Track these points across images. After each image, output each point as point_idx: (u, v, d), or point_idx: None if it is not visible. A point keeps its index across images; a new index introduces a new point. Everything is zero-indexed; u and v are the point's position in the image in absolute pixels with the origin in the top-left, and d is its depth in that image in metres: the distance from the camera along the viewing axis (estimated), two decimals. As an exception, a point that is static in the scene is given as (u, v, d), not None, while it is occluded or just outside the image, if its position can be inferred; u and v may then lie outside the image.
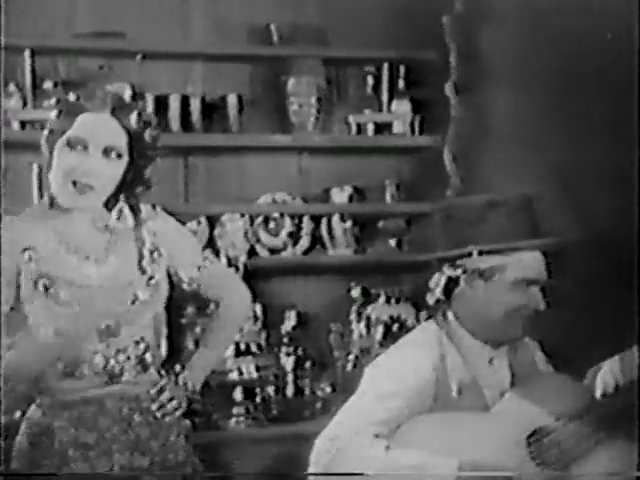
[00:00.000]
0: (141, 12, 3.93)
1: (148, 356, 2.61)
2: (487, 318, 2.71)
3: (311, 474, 2.60)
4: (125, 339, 2.57)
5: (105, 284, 2.55)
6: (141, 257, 2.61)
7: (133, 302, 2.57)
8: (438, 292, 2.76)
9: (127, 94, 3.80)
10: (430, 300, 2.81)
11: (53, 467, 2.50)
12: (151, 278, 2.60)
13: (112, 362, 2.56)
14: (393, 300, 4.19)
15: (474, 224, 2.73)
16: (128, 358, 2.58)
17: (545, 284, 2.73)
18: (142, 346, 2.59)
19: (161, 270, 2.63)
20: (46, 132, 2.55)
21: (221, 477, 2.93)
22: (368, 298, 4.18)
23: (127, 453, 2.55)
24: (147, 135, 2.56)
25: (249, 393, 3.90)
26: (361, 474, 2.54)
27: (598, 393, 3.27)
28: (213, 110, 4.04)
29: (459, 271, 2.72)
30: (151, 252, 2.62)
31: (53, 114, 2.55)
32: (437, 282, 2.78)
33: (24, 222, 2.55)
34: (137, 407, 2.58)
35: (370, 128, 4.20)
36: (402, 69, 4.22)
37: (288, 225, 4.14)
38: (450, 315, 2.76)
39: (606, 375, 3.31)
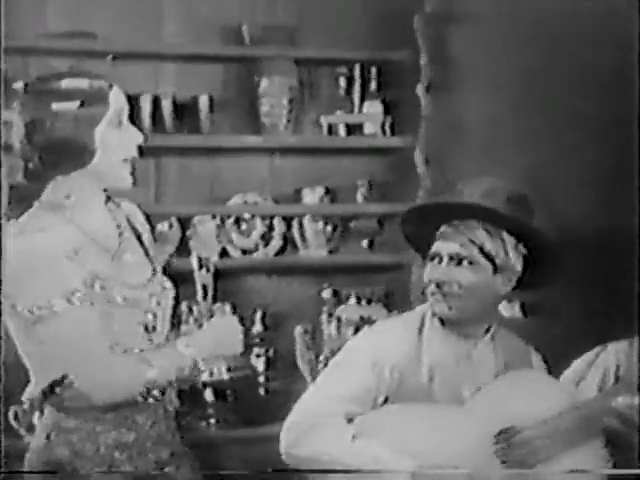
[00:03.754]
0: (112, 12, 3.92)
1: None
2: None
3: (284, 470, 2.62)
4: (162, 334, 2.55)
5: (138, 280, 2.52)
6: (146, 250, 2.60)
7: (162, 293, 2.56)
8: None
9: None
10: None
11: (100, 469, 2.48)
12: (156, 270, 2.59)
13: None
14: (364, 301, 4.19)
15: None
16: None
17: (470, 259, 2.71)
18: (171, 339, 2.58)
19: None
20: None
21: (211, 476, 2.93)
22: (339, 299, 4.18)
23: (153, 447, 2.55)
24: None
25: (220, 394, 3.90)
26: (346, 471, 2.57)
27: (599, 373, 3.21)
28: (184, 111, 4.03)
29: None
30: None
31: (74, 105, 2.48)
32: None
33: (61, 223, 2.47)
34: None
35: (342, 129, 4.20)
36: (374, 70, 4.23)
37: (259, 226, 4.15)
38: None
39: (609, 358, 3.26)
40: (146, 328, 2.52)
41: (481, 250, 2.70)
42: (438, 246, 2.73)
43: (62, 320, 2.39)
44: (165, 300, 2.57)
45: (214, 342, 2.55)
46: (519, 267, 2.75)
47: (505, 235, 2.72)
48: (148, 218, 2.68)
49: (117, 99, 2.51)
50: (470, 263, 2.70)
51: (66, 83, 2.47)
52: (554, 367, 2.93)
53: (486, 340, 2.77)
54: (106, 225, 2.54)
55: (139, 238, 2.62)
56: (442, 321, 2.74)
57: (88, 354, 2.42)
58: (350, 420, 2.64)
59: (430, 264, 2.74)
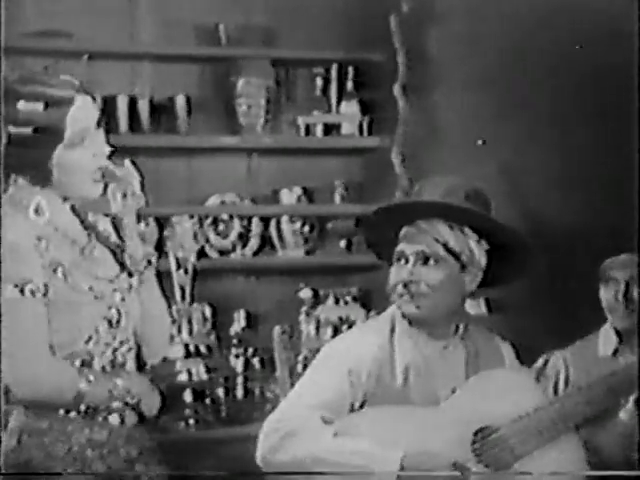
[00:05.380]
0: (88, 12, 3.90)
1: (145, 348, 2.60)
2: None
3: (265, 473, 2.60)
4: (126, 330, 2.55)
5: (104, 274, 2.53)
6: (114, 252, 2.60)
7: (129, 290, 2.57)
8: None
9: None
10: None
11: (73, 469, 2.48)
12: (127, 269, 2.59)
13: (118, 354, 2.54)
14: (342, 301, 4.19)
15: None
16: (130, 349, 2.56)
17: (435, 257, 2.70)
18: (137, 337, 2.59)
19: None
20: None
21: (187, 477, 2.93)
22: (317, 299, 4.18)
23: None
24: None
25: (199, 395, 3.89)
26: (321, 473, 2.56)
27: (550, 380, 3.32)
28: (161, 111, 4.02)
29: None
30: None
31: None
32: None
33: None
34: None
35: (319, 129, 4.20)
36: (351, 70, 4.23)
37: (237, 226, 4.14)
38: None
39: (557, 363, 3.37)
40: (110, 323, 2.52)
41: (446, 247, 2.70)
42: (402, 247, 2.72)
43: (8, 309, 2.40)
44: (130, 298, 2.57)
45: (145, 387, 2.58)
46: (484, 262, 2.75)
47: (467, 231, 2.72)
48: (114, 223, 2.67)
49: (76, 120, 2.50)
50: (436, 261, 2.70)
51: (22, 106, 2.48)
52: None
53: (457, 339, 2.77)
54: (74, 223, 2.55)
55: (106, 240, 2.61)
56: (410, 322, 2.74)
57: (26, 348, 2.42)
58: (326, 423, 2.62)
59: (396, 265, 2.73)
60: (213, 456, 3.69)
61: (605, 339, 3.41)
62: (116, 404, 2.51)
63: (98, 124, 2.53)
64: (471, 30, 4.13)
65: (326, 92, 4.24)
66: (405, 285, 2.70)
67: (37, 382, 2.45)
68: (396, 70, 4.11)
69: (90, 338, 2.50)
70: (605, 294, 3.40)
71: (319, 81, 4.24)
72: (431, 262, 2.70)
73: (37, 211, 2.49)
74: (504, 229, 2.74)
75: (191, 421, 3.85)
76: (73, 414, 2.49)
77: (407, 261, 2.71)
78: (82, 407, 2.48)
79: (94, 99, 2.55)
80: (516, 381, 2.77)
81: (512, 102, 4.15)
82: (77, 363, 2.49)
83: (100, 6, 3.93)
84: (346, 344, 2.76)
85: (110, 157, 2.56)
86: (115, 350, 2.54)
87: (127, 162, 2.61)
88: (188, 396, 3.86)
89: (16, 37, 3.80)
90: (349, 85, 4.24)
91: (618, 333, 3.39)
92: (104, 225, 2.64)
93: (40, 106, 2.48)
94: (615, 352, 3.38)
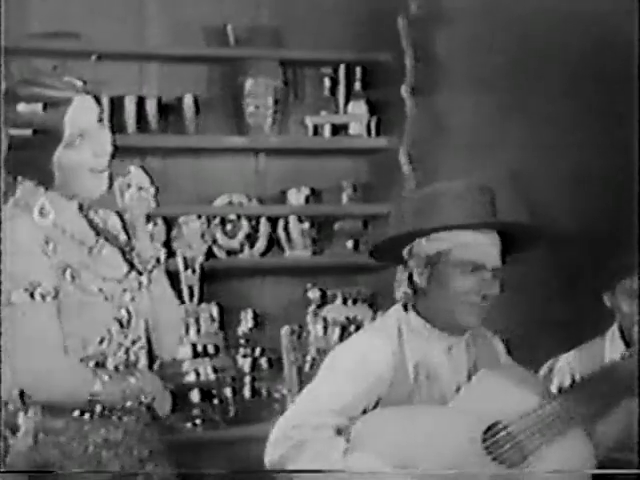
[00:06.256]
0: (96, 12, 3.91)
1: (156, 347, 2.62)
2: (437, 304, 2.72)
3: (272, 471, 2.61)
4: (137, 329, 2.57)
5: (113, 275, 2.54)
6: (122, 251, 2.61)
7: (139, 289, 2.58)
8: (404, 286, 2.77)
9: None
10: (397, 295, 2.83)
11: (88, 468, 2.49)
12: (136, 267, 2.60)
13: (131, 353, 2.56)
14: (350, 301, 4.19)
15: (426, 210, 2.74)
16: (142, 348, 2.58)
17: (498, 270, 2.71)
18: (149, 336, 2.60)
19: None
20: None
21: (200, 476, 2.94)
22: (325, 299, 4.18)
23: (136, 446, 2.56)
24: None
25: (206, 395, 3.89)
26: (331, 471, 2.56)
27: (554, 385, 3.33)
28: (169, 111, 4.03)
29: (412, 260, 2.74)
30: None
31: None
32: (401, 276, 2.80)
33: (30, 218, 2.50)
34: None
35: (327, 129, 4.21)
36: (358, 71, 4.23)
37: (245, 227, 4.14)
38: (409, 305, 2.77)
39: (563, 368, 3.38)
40: (121, 323, 2.53)
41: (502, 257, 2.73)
42: (479, 257, 2.69)
43: (18, 313, 2.41)
44: (140, 297, 2.58)
45: (157, 386, 2.60)
46: None
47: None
48: (123, 221, 2.67)
49: (74, 120, 2.50)
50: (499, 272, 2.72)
51: (22, 108, 2.49)
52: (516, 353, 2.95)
53: (467, 336, 2.79)
54: (81, 223, 2.56)
55: (115, 239, 2.61)
56: (428, 322, 2.74)
57: (40, 352, 2.43)
58: (339, 431, 2.62)
59: (467, 273, 2.69)
60: (220, 456, 3.69)
61: (612, 343, 3.40)
62: (130, 403, 2.52)
63: (100, 123, 2.53)
64: (479, 31, 4.14)
65: (334, 92, 4.25)
66: (484, 297, 2.69)
67: (52, 385, 2.46)
68: (404, 71, 4.11)
69: (103, 339, 2.51)
70: (627, 307, 3.37)
71: (327, 81, 4.24)
72: (499, 274, 2.72)
73: (42, 213, 2.50)
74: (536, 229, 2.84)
75: (198, 421, 3.85)
76: (88, 415, 2.50)
77: (479, 270, 2.68)
78: (97, 408, 2.49)
79: (97, 99, 2.55)
80: (519, 378, 2.78)
81: (519, 103, 4.15)
82: (91, 365, 2.50)
83: (108, 7, 3.94)
84: (357, 349, 2.75)
85: (113, 156, 2.56)
86: (128, 350, 2.55)
87: (136, 168, 2.61)
88: (195, 396, 3.86)
89: (24, 38, 3.81)
90: (357, 85, 4.24)
91: (624, 338, 3.38)
92: (112, 223, 2.65)
93: (39, 107, 2.49)
94: (622, 357, 3.37)
